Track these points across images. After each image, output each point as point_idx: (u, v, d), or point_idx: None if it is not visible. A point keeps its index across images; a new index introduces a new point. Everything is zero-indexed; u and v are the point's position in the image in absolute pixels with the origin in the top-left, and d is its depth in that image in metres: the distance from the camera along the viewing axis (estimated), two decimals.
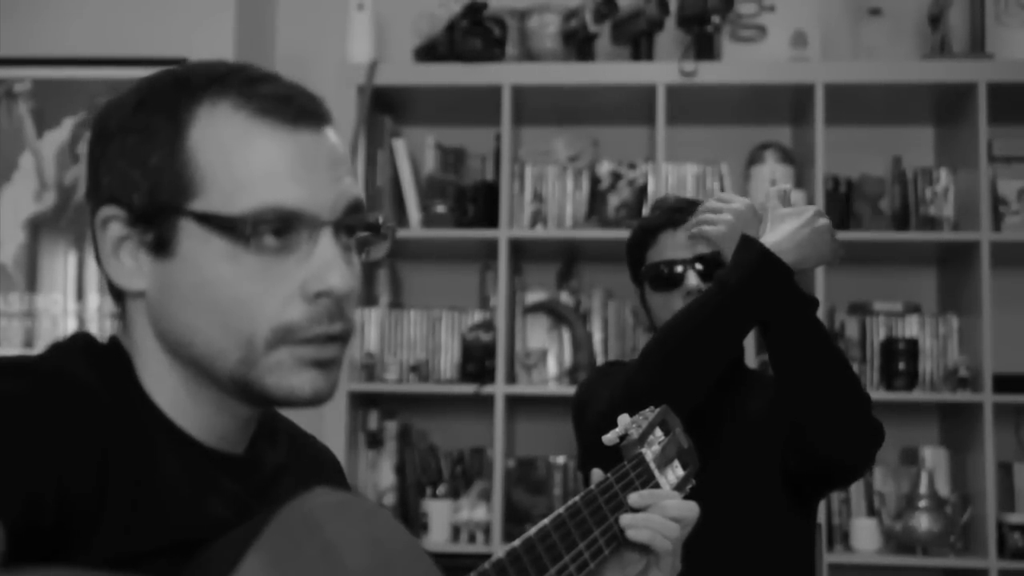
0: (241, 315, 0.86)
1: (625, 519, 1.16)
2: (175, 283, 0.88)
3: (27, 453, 0.76)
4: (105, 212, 0.89)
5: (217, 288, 0.86)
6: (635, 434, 1.27)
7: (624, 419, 1.31)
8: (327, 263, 0.87)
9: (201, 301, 0.87)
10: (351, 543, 0.79)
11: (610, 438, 1.29)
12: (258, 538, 0.75)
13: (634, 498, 1.18)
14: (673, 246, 1.84)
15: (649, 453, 1.27)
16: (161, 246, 0.88)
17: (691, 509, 1.20)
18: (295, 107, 0.89)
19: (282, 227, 0.86)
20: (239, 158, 0.87)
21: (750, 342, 3.12)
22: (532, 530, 1.02)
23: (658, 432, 1.30)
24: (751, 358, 3.09)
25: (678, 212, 1.86)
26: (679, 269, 1.82)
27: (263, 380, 0.87)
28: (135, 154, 0.88)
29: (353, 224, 0.91)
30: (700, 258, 1.82)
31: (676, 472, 1.30)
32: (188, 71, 0.91)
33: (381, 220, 0.94)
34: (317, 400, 0.90)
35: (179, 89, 0.89)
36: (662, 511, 1.18)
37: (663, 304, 1.85)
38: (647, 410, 1.32)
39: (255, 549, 0.74)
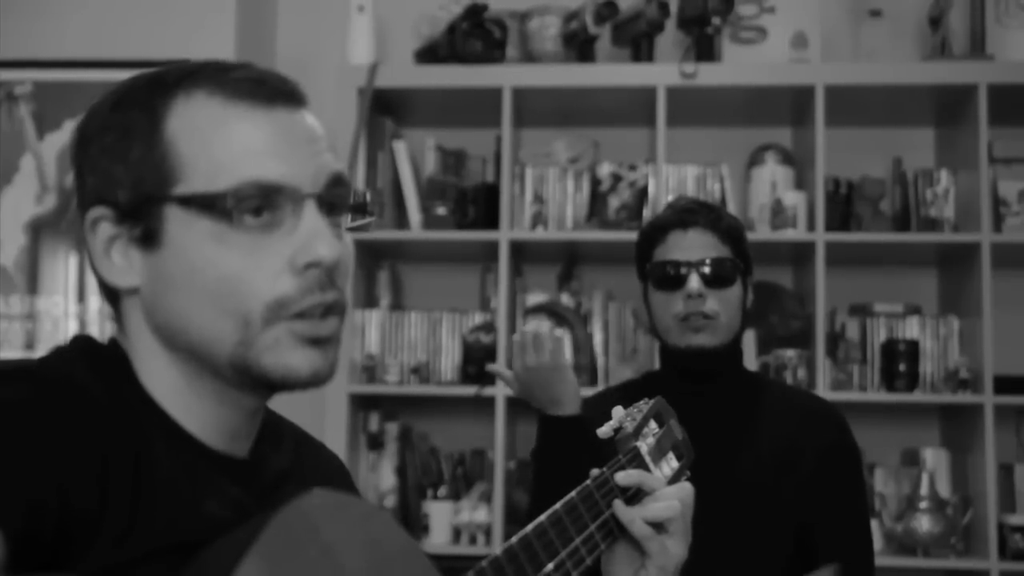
0: (232, 295, 0.86)
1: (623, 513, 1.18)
2: (166, 274, 0.88)
3: (28, 462, 0.75)
4: (93, 213, 0.90)
5: (206, 271, 0.86)
6: (629, 427, 1.27)
7: (618, 411, 1.31)
8: (313, 234, 0.87)
9: (192, 287, 0.87)
10: (349, 545, 0.79)
11: (605, 431, 1.29)
12: (256, 540, 0.75)
13: (621, 477, 1.20)
14: (680, 247, 1.83)
15: (644, 446, 1.27)
16: (149, 238, 0.88)
17: (674, 494, 1.22)
18: (269, 88, 0.90)
19: (265, 202, 0.87)
20: (217, 140, 0.87)
21: (750, 343, 3.11)
22: (528, 527, 1.02)
23: (652, 424, 1.31)
24: (751, 359, 3.08)
25: (690, 213, 1.84)
26: (683, 271, 1.81)
27: (260, 360, 0.87)
28: (116, 151, 0.89)
29: (336, 200, 0.92)
30: (706, 261, 1.81)
31: (671, 464, 1.30)
32: (162, 70, 0.92)
33: (368, 196, 0.95)
34: (316, 380, 0.89)
35: (154, 86, 0.90)
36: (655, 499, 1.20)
37: (664, 304, 1.84)
38: (641, 402, 1.33)
39: (253, 551, 0.74)
